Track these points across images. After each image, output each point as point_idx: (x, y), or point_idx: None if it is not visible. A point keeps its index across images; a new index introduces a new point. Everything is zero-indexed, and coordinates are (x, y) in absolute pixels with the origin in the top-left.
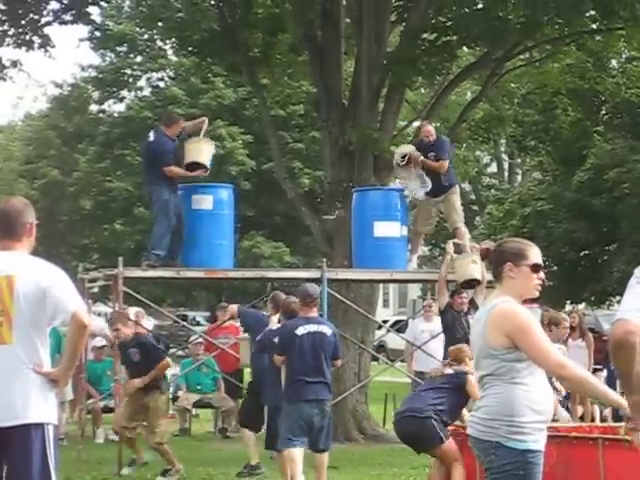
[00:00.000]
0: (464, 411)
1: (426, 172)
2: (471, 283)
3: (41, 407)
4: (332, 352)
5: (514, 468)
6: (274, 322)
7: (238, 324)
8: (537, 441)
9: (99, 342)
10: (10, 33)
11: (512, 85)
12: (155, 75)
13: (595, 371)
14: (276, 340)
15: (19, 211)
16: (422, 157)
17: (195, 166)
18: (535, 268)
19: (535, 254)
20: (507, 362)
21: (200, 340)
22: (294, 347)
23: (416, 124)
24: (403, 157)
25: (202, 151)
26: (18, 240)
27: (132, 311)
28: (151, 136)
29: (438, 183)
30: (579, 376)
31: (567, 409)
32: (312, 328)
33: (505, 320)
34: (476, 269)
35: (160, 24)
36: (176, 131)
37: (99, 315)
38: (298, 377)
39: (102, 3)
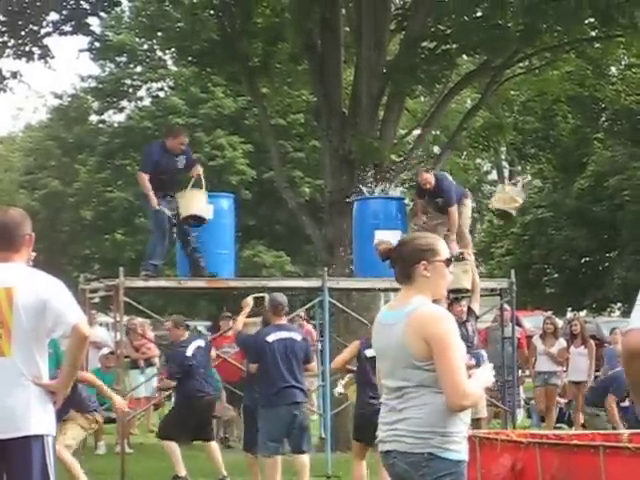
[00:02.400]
0: None
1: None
2: (460, 292)
3: (41, 419)
4: (304, 357)
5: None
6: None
7: None
8: (466, 451)
9: (106, 351)
10: (10, 44)
11: (512, 93)
12: (155, 85)
13: (596, 378)
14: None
15: (18, 223)
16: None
17: (193, 219)
18: (448, 262)
19: (445, 247)
20: (432, 372)
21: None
22: (266, 354)
23: (416, 132)
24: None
25: (194, 202)
26: (17, 251)
27: (136, 322)
28: (153, 143)
29: (441, 208)
30: (475, 403)
31: (569, 416)
32: (283, 335)
33: (428, 326)
34: (466, 278)
35: (160, 34)
36: (176, 145)
37: (100, 325)
38: (272, 383)
39: (101, 14)
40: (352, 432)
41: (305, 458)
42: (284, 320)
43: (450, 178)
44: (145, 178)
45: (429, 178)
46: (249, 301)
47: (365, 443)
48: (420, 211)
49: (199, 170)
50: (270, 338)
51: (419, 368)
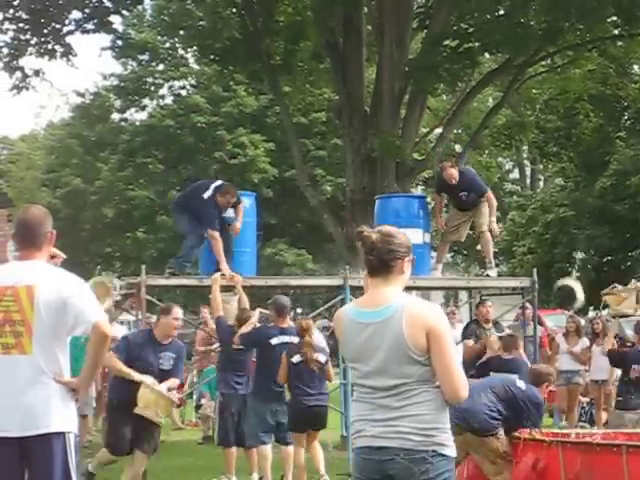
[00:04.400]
0: None
1: (457, 200)
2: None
3: (62, 416)
4: None
5: (450, 476)
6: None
7: None
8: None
9: None
10: (33, 42)
11: (534, 91)
12: (177, 83)
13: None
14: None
15: (40, 221)
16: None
17: None
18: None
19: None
20: (429, 366)
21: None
22: (269, 355)
23: (438, 131)
24: None
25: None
26: (39, 249)
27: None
28: (207, 194)
29: (467, 205)
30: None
31: (591, 415)
32: (285, 339)
33: (428, 319)
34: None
35: (182, 32)
36: (225, 203)
37: (122, 324)
38: (268, 382)
39: (124, 12)
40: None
41: (291, 450)
42: (287, 322)
43: (473, 170)
44: (216, 235)
45: (454, 173)
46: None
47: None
48: (438, 210)
49: (237, 228)
50: (274, 341)
51: (418, 363)
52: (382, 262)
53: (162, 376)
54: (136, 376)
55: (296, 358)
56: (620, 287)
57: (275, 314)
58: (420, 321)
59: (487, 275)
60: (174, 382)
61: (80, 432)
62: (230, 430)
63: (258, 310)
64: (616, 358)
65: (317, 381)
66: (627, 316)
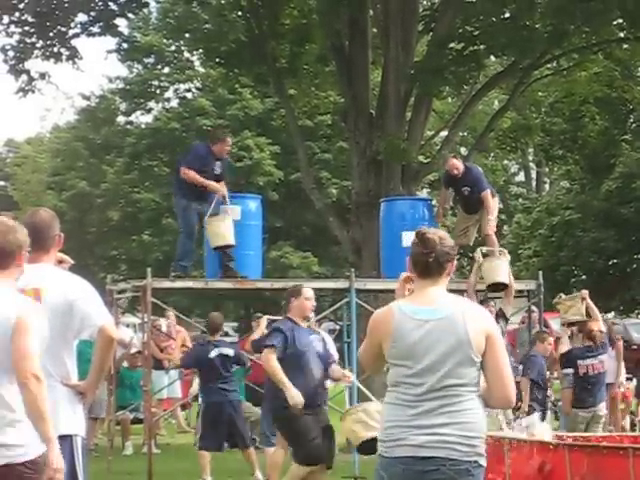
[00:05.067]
0: (500, 416)
1: (460, 197)
2: (499, 287)
3: (69, 419)
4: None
5: None
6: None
7: None
8: None
9: (133, 350)
10: (38, 45)
11: (539, 94)
12: (182, 86)
13: (625, 380)
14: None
15: (48, 224)
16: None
17: (222, 247)
18: None
19: None
20: (478, 370)
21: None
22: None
23: (443, 133)
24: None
25: (218, 234)
26: (46, 252)
27: (164, 322)
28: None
29: (471, 205)
30: None
31: None
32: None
33: (488, 322)
34: (503, 273)
35: (187, 35)
36: (223, 149)
37: (127, 326)
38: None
39: (129, 15)
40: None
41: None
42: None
43: (480, 169)
44: (193, 173)
45: (456, 163)
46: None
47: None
48: (441, 205)
49: (224, 191)
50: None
51: (474, 365)
52: (439, 264)
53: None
54: (293, 391)
55: (215, 352)
56: (565, 296)
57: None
58: (482, 324)
59: None
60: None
61: (89, 435)
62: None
63: (265, 317)
64: (563, 360)
65: None
66: (575, 323)
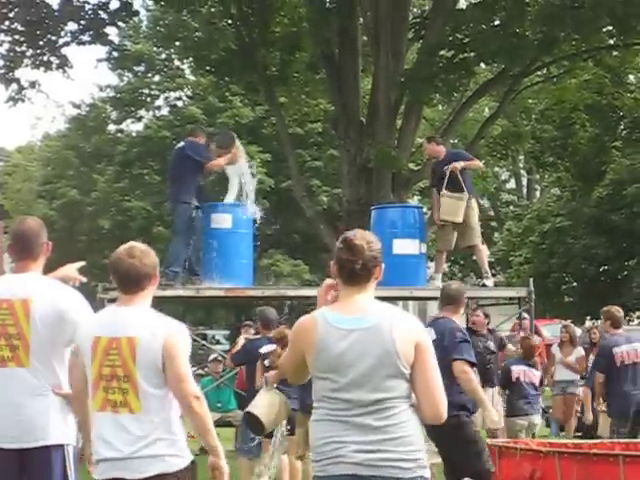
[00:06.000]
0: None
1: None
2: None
3: (61, 428)
4: None
5: None
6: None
7: None
8: None
9: None
10: (28, 54)
11: (530, 101)
12: (173, 94)
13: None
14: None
15: (36, 232)
16: (460, 163)
17: None
18: None
19: None
20: (409, 383)
21: (219, 358)
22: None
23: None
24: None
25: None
26: (34, 261)
27: None
28: (180, 144)
29: (456, 181)
30: None
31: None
32: (271, 347)
33: (418, 331)
34: (460, 212)
35: (178, 44)
36: (203, 140)
37: None
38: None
39: (120, 23)
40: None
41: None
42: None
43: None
44: (214, 162)
45: (435, 149)
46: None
47: None
48: (435, 210)
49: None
50: (263, 350)
51: (403, 377)
52: (365, 269)
53: None
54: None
55: (267, 362)
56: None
57: (261, 326)
58: (411, 333)
59: (484, 285)
60: None
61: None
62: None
63: (243, 337)
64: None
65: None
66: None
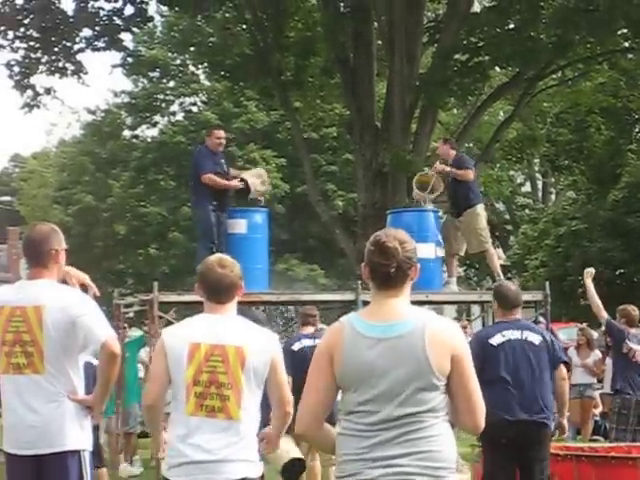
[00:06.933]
0: None
1: (448, 192)
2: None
3: (76, 434)
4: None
5: None
6: None
7: None
8: None
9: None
10: (43, 60)
11: (545, 104)
12: (188, 100)
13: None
14: None
15: (44, 238)
16: (446, 167)
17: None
18: None
19: None
20: (444, 394)
21: None
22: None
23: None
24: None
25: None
26: (45, 267)
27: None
28: (197, 148)
29: (458, 204)
30: None
31: (605, 429)
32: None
33: (453, 339)
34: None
35: (192, 49)
36: (212, 144)
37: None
38: None
39: (134, 29)
40: None
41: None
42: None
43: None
44: (212, 177)
45: (445, 150)
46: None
47: None
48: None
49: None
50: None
51: (437, 389)
52: (400, 272)
53: None
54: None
55: None
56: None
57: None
58: (445, 342)
59: None
60: None
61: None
62: None
63: None
64: None
65: None
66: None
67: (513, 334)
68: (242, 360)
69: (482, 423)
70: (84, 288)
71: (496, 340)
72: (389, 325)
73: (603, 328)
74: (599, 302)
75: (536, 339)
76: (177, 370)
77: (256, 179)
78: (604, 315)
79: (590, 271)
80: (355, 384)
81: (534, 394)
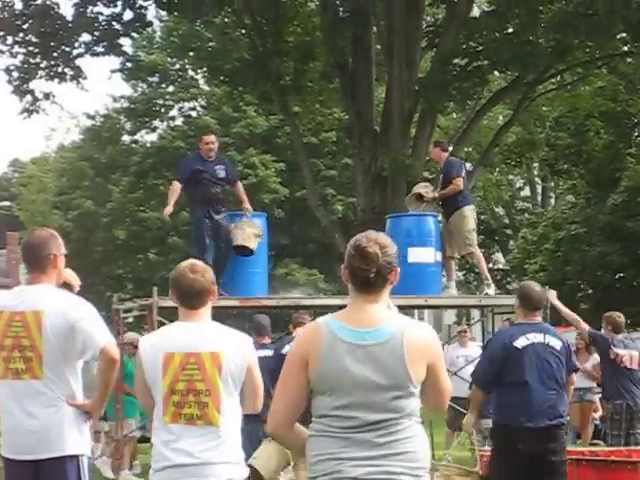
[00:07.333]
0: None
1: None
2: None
3: (75, 439)
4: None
5: None
6: None
7: None
8: None
9: None
10: (42, 65)
11: (544, 109)
12: (187, 105)
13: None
14: None
15: (42, 243)
16: (435, 194)
17: (241, 250)
18: None
19: None
20: (418, 398)
21: None
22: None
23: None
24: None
25: (247, 236)
26: (43, 272)
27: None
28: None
29: (447, 206)
30: None
31: (605, 433)
32: (262, 353)
33: (429, 345)
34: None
35: (191, 54)
36: (204, 147)
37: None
38: None
39: (133, 34)
40: None
41: None
42: (267, 340)
43: (458, 160)
44: (176, 186)
45: (437, 153)
46: None
47: None
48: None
49: (245, 202)
50: (259, 353)
51: (413, 395)
52: (380, 277)
53: None
54: None
55: None
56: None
57: (255, 333)
58: (423, 352)
59: (486, 294)
60: None
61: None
62: None
63: None
64: None
65: None
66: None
67: (536, 337)
68: (219, 365)
69: (447, 405)
70: (69, 287)
71: (520, 343)
72: (368, 332)
73: (588, 339)
74: (575, 315)
75: (557, 344)
76: (154, 380)
77: (252, 234)
78: (584, 327)
79: (553, 293)
80: (330, 389)
81: (554, 400)
